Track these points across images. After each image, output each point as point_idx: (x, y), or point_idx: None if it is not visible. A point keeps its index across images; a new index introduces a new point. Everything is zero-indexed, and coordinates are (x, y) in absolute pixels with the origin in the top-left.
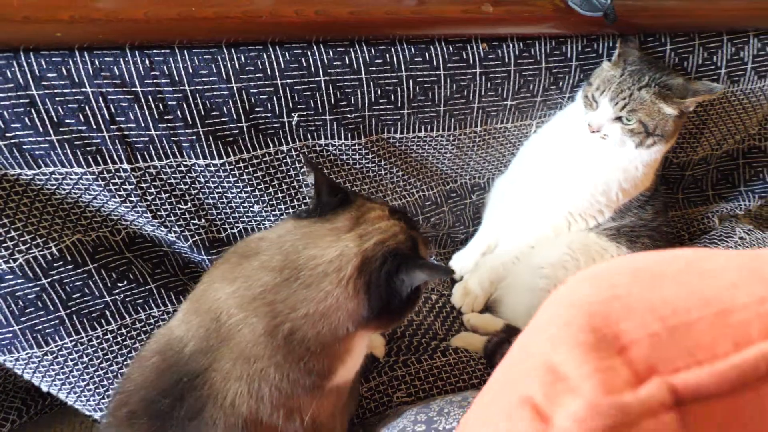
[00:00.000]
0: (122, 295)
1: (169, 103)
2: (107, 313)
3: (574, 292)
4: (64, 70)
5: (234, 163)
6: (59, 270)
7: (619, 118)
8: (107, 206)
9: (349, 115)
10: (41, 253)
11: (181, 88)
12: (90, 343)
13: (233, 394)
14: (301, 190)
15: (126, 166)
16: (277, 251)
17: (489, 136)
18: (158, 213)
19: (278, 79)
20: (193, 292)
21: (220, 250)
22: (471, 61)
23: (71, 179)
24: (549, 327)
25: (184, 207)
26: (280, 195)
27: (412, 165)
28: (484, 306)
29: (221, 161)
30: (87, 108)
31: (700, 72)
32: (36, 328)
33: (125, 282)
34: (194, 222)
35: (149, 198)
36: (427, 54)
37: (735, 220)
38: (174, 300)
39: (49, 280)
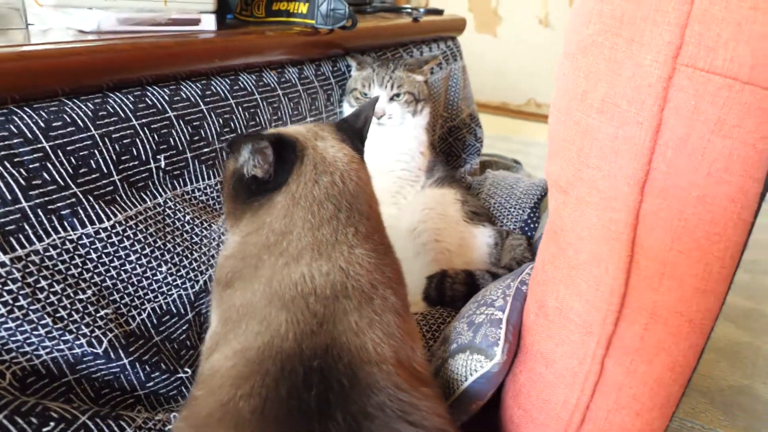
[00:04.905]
0: None
1: (31, 165)
2: None
3: None
4: None
5: (123, 222)
6: None
7: (392, 99)
8: None
9: (205, 149)
10: None
11: (39, 145)
12: None
13: (372, 342)
14: (195, 241)
15: (2, 257)
16: (306, 219)
17: None
18: (57, 314)
19: (134, 120)
20: (249, 308)
21: (139, 347)
22: (272, 86)
23: None
24: None
25: (84, 296)
26: (179, 249)
27: None
28: None
29: (110, 223)
30: None
31: None
32: None
33: (53, 424)
34: (100, 314)
35: (41, 295)
36: (239, 83)
37: (476, 172)
38: (115, 430)
39: None
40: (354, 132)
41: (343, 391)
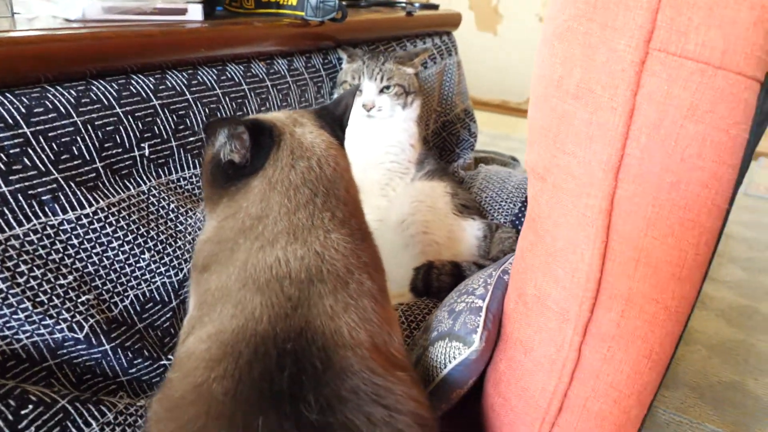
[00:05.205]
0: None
1: (11, 151)
2: None
3: None
4: None
5: (106, 209)
6: None
7: (381, 91)
8: None
9: (191, 139)
10: None
11: (20, 131)
12: None
13: (347, 326)
14: (179, 229)
15: None
16: (282, 204)
17: None
18: (37, 298)
19: (117, 107)
20: (225, 292)
21: (121, 334)
22: (260, 77)
23: None
24: None
25: (65, 282)
26: (163, 237)
27: None
28: None
29: (92, 209)
30: None
31: None
32: None
33: (31, 407)
34: (81, 300)
35: (21, 280)
36: (227, 73)
37: (470, 167)
38: (95, 415)
39: None
40: (334, 119)
41: (316, 373)
